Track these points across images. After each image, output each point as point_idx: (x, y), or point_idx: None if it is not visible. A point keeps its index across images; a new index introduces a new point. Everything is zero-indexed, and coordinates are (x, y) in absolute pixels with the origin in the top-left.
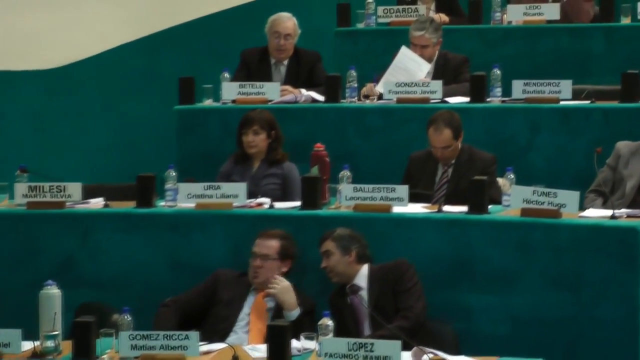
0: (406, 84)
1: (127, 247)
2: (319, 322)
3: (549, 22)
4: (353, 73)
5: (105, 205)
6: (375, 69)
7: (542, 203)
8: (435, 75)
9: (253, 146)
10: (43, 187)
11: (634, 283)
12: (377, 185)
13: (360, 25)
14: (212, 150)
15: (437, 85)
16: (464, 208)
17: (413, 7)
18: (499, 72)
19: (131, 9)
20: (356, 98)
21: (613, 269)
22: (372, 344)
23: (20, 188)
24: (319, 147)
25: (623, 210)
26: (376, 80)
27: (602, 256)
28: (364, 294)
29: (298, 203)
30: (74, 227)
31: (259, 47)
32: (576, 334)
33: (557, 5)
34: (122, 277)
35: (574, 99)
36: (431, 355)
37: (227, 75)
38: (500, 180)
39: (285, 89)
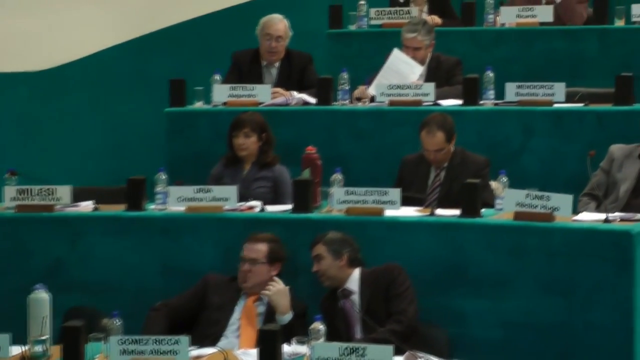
0: (398, 86)
1: (117, 250)
2: (311, 327)
3: (542, 24)
4: (345, 75)
5: (95, 209)
6: (367, 71)
7: (535, 206)
8: (428, 77)
9: (244, 149)
10: (32, 190)
11: (627, 287)
12: (369, 189)
13: (353, 27)
14: (202, 153)
15: (430, 87)
16: (456, 211)
17: (405, 9)
18: (491, 74)
19: (121, 10)
20: (348, 100)
21: (607, 273)
22: (364, 349)
23: (9, 191)
24: (311, 150)
25: (616, 214)
26: (368, 83)
27: (595, 260)
28: (355, 298)
29: (289, 206)
30: (63, 231)
31: (250, 49)
32: (569, 339)
33: (550, 8)
34: (111, 281)
35: (567, 101)
36: None
37: (218, 77)
38: (493, 184)
39: (277, 91)
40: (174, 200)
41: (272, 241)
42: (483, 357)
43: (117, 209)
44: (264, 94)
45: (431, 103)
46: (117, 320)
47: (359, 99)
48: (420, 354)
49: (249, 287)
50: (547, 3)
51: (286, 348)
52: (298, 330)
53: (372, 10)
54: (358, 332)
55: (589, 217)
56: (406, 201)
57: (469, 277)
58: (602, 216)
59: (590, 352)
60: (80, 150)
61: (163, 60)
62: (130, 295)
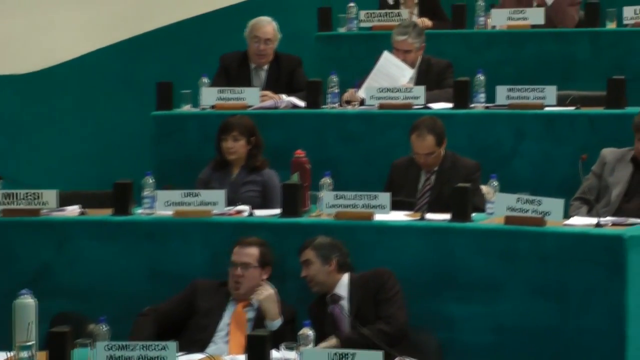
0: (388, 89)
1: (104, 255)
2: (300, 332)
3: (534, 26)
4: (334, 78)
5: (82, 213)
6: (357, 74)
7: (527, 211)
8: (418, 80)
9: (232, 152)
10: (18, 194)
11: (619, 292)
12: (359, 193)
13: (342, 30)
14: (190, 157)
15: (420, 90)
16: (447, 216)
17: (396, 11)
18: (482, 77)
19: (108, 13)
20: (338, 104)
21: (598, 277)
22: (353, 354)
23: None
24: (300, 153)
25: (608, 218)
26: (358, 86)
27: (587, 265)
28: (344, 303)
29: (278, 211)
30: (50, 235)
31: (239, 52)
32: (561, 344)
33: (541, 10)
34: (98, 286)
35: (558, 105)
36: None
37: (206, 80)
38: (484, 188)
39: (265, 94)
40: (162, 204)
41: (262, 245)
42: None
43: (104, 214)
44: (252, 97)
45: (421, 106)
46: (104, 326)
47: (348, 102)
48: None
49: (241, 293)
50: (539, 5)
51: (275, 354)
52: (287, 336)
53: (362, 13)
54: None
55: (581, 221)
56: (396, 205)
57: (460, 282)
58: (593, 220)
59: (583, 356)
60: (67, 154)
61: (150, 63)
62: (117, 300)
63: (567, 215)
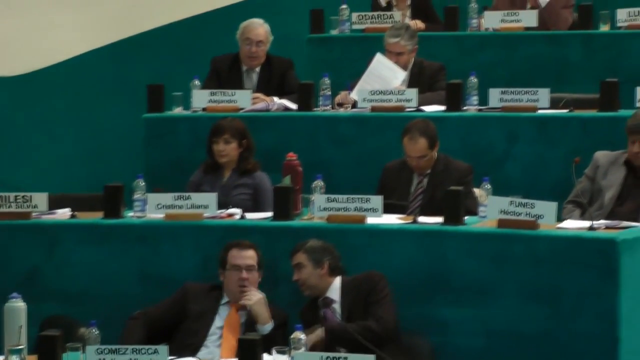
0: (381, 92)
1: (95, 258)
2: (292, 336)
3: (527, 29)
4: (326, 80)
5: (72, 216)
6: (349, 77)
7: (519, 214)
8: (411, 83)
9: (224, 155)
10: (8, 197)
11: (612, 295)
12: (351, 196)
13: (334, 32)
14: (181, 160)
15: (413, 93)
16: (439, 219)
17: (388, 13)
18: (475, 80)
19: (98, 15)
20: (330, 106)
21: (591, 281)
22: (345, 358)
23: None
24: (292, 156)
25: (601, 221)
26: (350, 88)
27: (580, 268)
28: (336, 307)
29: (270, 214)
30: (40, 239)
31: (230, 54)
32: (554, 348)
33: (534, 12)
34: (89, 289)
35: (551, 107)
36: None
37: (197, 82)
38: (476, 191)
39: (257, 96)
40: (153, 207)
41: (257, 247)
42: None
43: (94, 217)
44: (244, 100)
45: (414, 109)
46: (95, 330)
47: (340, 105)
48: None
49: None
50: (532, 8)
51: (267, 358)
52: (279, 339)
53: (354, 15)
54: None
55: (574, 224)
56: (388, 208)
57: (452, 286)
58: (587, 224)
59: None
60: (57, 157)
61: (141, 65)
62: (108, 304)
63: (560, 219)
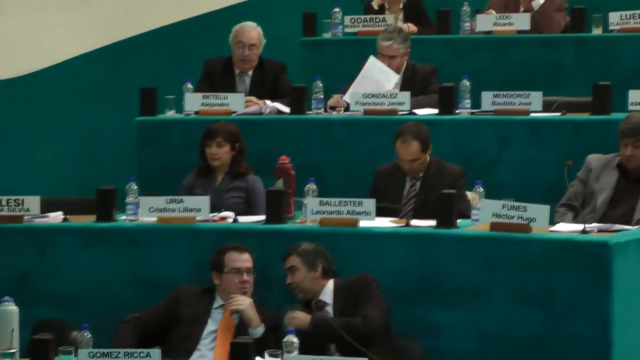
0: (373, 95)
1: (87, 262)
2: (284, 339)
3: (519, 32)
4: (319, 84)
5: (65, 220)
6: (341, 80)
7: (512, 217)
8: (403, 86)
9: (216, 159)
10: (0, 200)
11: (605, 299)
12: (344, 199)
13: (327, 35)
14: (174, 163)
15: (405, 96)
16: (432, 222)
17: (381, 16)
18: (468, 83)
19: (91, 18)
20: (322, 109)
21: (584, 284)
22: None
23: None
24: (284, 159)
25: (594, 224)
26: (343, 91)
27: (572, 271)
28: (329, 309)
29: (262, 217)
30: (32, 242)
31: (223, 57)
32: (547, 351)
33: (527, 16)
34: (81, 293)
35: (544, 110)
36: None
37: (190, 85)
38: (469, 194)
39: (250, 100)
40: (145, 211)
41: (251, 250)
42: None
43: (87, 220)
44: (236, 103)
45: (406, 112)
46: (87, 333)
47: (333, 108)
48: None
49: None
50: (525, 11)
51: None
52: (271, 343)
53: (347, 18)
54: (331, 345)
55: (566, 228)
56: (381, 212)
57: (445, 289)
58: (579, 227)
59: None
60: (50, 160)
61: (134, 68)
62: (100, 307)
63: (552, 222)
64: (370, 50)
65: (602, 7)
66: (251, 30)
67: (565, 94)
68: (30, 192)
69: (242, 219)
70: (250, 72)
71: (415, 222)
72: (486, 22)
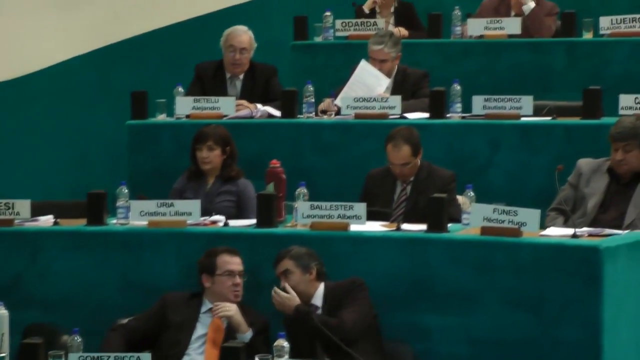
0: (364, 99)
1: (77, 266)
2: (275, 344)
3: (510, 36)
4: (310, 88)
5: (55, 223)
6: (333, 84)
7: (503, 221)
8: (394, 90)
9: (207, 162)
10: None
11: (596, 303)
12: (335, 203)
13: (318, 39)
14: (165, 167)
15: (396, 100)
16: (423, 226)
17: (372, 20)
18: (458, 87)
19: (82, 21)
20: (313, 113)
21: (575, 288)
22: None
23: None
24: (275, 163)
25: (584, 229)
26: (334, 95)
27: (563, 276)
28: (320, 313)
29: (253, 221)
30: (23, 246)
31: (214, 61)
32: (537, 356)
33: (518, 20)
34: (72, 297)
35: (535, 115)
36: None
37: (181, 89)
38: (460, 198)
39: (241, 103)
40: (136, 214)
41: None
42: None
43: (77, 224)
44: (227, 107)
45: (397, 116)
46: (77, 337)
47: (324, 112)
48: None
49: (238, 302)
50: (516, 15)
51: None
52: (260, 346)
53: (338, 22)
54: (320, 349)
55: (557, 232)
56: (372, 216)
57: (436, 293)
58: (570, 231)
59: None
60: (40, 164)
61: (125, 72)
62: (91, 311)
63: (543, 226)
64: (362, 54)
65: (593, 11)
66: (242, 34)
67: (556, 99)
68: (21, 196)
69: (233, 222)
70: (241, 76)
71: (406, 226)
72: (477, 26)
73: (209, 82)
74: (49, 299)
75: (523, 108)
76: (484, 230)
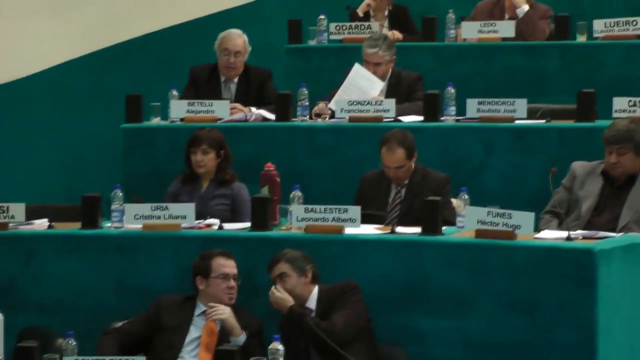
0: (359, 102)
1: (72, 269)
2: (269, 347)
3: (504, 39)
4: (304, 91)
5: (50, 227)
6: (327, 87)
7: (497, 224)
8: (389, 93)
9: (202, 166)
10: None
11: (590, 306)
12: (329, 206)
13: (312, 42)
14: (159, 170)
15: (390, 103)
16: (417, 229)
17: (366, 24)
18: (453, 90)
19: (77, 24)
20: (307, 117)
21: (569, 291)
22: None
23: None
24: (269, 166)
25: (579, 231)
26: (328, 99)
27: (557, 278)
28: (314, 316)
29: (248, 224)
30: (17, 249)
31: (209, 64)
32: (532, 358)
33: (512, 23)
34: (66, 300)
35: (529, 118)
36: None
37: (175, 92)
38: (454, 201)
39: (235, 107)
40: (131, 218)
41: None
42: None
43: (72, 227)
44: (222, 110)
45: (392, 119)
46: (72, 341)
47: (318, 115)
48: None
49: (232, 305)
50: (510, 18)
51: None
52: (254, 348)
53: (332, 25)
54: (314, 353)
55: (551, 235)
56: (366, 219)
57: (430, 296)
58: (564, 234)
59: None
60: (35, 167)
61: (120, 75)
62: (85, 314)
63: (537, 229)
64: (356, 57)
65: (587, 14)
66: (237, 38)
67: (550, 101)
68: (15, 199)
69: (228, 226)
70: (236, 79)
71: (400, 229)
72: (471, 29)
73: (203, 85)
74: (43, 303)
75: (517, 111)
76: (479, 233)
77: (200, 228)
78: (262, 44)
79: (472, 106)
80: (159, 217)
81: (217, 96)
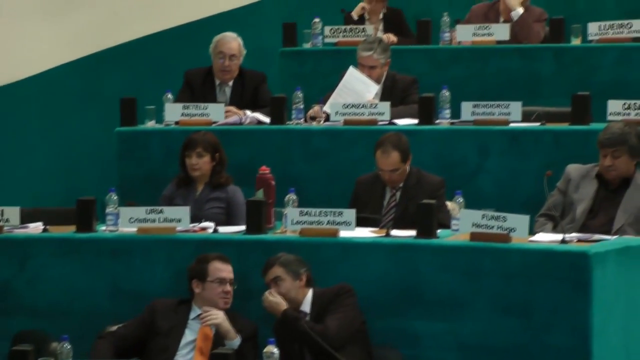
0: (353, 105)
1: (67, 273)
2: (264, 350)
3: (499, 42)
4: (299, 94)
5: (44, 230)
6: (322, 90)
7: (492, 227)
8: (384, 96)
9: (196, 169)
10: None
11: (585, 309)
12: (324, 209)
13: (307, 45)
14: (154, 173)
15: (385, 106)
16: (412, 232)
17: (361, 27)
18: (447, 93)
19: (71, 27)
20: (302, 120)
21: (564, 294)
22: None
23: None
24: (264, 170)
25: (573, 234)
26: (323, 102)
27: (552, 281)
28: (308, 319)
29: (242, 227)
30: (12, 253)
31: (203, 68)
32: None
33: (507, 26)
34: (61, 304)
35: (523, 121)
36: None
37: (170, 96)
38: (449, 204)
39: (230, 110)
40: (125, 221)
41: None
42: None
43: (66, 231)
44: (217, 113)
45: (386, 122)
46: (67, 344)
47: (313, 118)
48: None
49: (227, 309)
50: (504, 21)
51: None
52: (248, 352)
53: (327, 28)
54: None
55: (546, 238)
56: (361, 222)
57: (425, 299)
58: (559, 237)
59: None
60: (30, 170)
61: (114, 78)
62: (80, 318)
63: (532, 232)
64: (350, 60)
65: (581, 17)
66: (231, 41)
67: (545, 104)
68: (10, 203)
69: (222, 229)
70: (231, 83)
71: (395, 232)
72: (466, 32)
73: (198, 88)
74: (38, 306)
75: (512, 114)
76: (473, 236)
77: (195, 231)
78: (257, 47)
79: (467, 109)
80: (153, 221)
81: (212, 99)
